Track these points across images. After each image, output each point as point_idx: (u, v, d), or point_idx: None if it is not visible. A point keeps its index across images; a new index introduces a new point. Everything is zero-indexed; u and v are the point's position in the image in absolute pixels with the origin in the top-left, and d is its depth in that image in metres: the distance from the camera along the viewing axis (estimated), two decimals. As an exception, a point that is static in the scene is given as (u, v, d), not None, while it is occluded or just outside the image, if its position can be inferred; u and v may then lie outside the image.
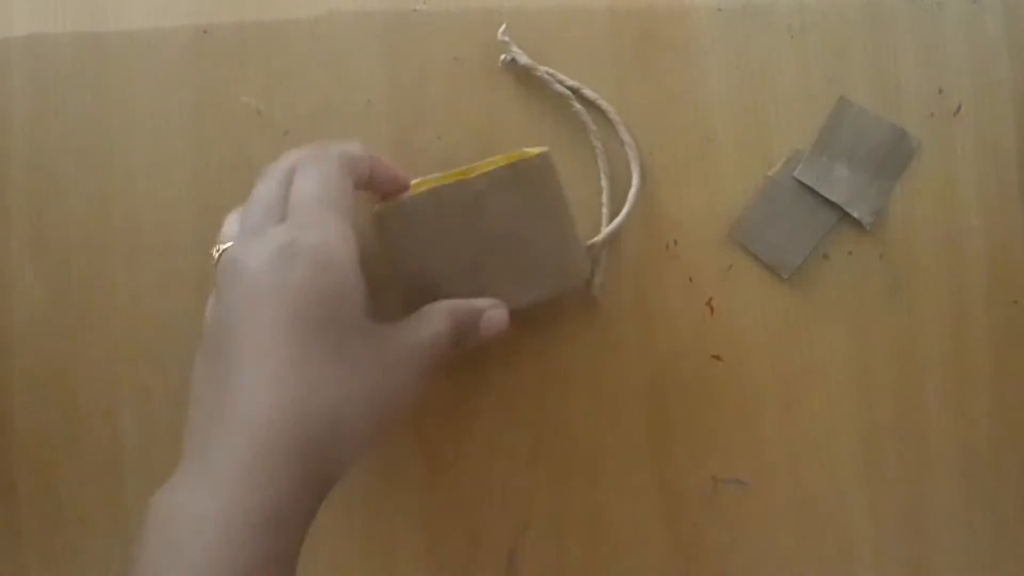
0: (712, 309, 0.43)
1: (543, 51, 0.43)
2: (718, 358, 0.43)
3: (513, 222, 0.37)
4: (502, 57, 0.43)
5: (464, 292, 0.37)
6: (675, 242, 0.43)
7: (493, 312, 0.37)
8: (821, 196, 0.43)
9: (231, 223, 0.35)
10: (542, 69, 0.43)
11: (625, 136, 0.43)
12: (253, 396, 0.29)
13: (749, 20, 0.43)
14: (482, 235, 0.37)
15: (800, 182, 0.43)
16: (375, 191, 0.38)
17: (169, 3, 0.44)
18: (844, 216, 0.43)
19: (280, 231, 0.31)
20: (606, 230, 0.42)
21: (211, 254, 0.34)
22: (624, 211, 0.42)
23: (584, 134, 0.43)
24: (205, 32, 0.44)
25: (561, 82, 0.43)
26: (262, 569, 0.27)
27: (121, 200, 0.44)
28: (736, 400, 0.43)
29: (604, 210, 0.43)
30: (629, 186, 0.42)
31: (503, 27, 0.42)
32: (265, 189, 0.33)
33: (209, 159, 0.44)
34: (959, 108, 0.43)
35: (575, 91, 0.43)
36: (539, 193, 0.37)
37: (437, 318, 0.35)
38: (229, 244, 0.33)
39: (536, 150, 0.38)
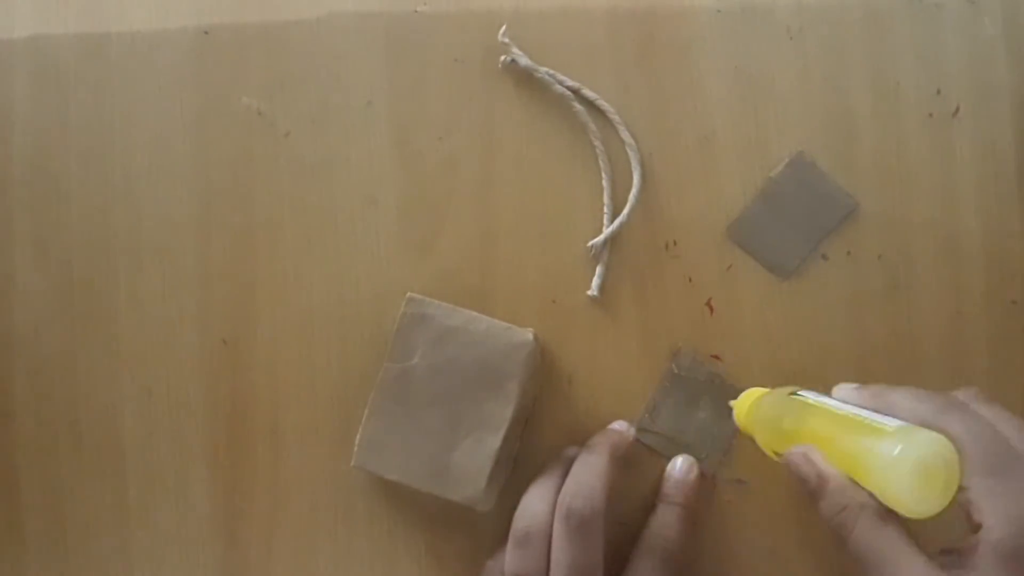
0: (712, 309, 0.43)
1: (543, 52, 0.43)
2: (718, 358, 0.43)
3: None
4: (502, 58, 0.43)
5: None
6: (675, 242, 0.43)
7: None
8: (820, 197, 0.43)
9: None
10: (542, 70, 0.43)
11: (625, 136, 0.43)
12: None
13: (748, 21, 0.43)
14: None
15: (801, 174, 0.43)
16: None
17: (170, 4, 0.44)
18: (844, 217, 0.43)
19: None
20: (607, 230, 0.42)
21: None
22: (625, 211, 0.42)
23: (584, 134, 0.43)
24: (206, 33, 0.44)
25: (561, 83, 0.43)
26: None
27: (123, 201, 0.44)
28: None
29: (605, 210, 0.43)
30: (629, 186, 0.43)
31: (503, 28, 0.43)
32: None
33: (210, 160, 0.44)
34: (957, 109, 0.43)
35: (575, 92, 0.43)
36: None
37: None
38: None
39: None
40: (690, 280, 0.43)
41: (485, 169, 0.43)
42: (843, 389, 0.35)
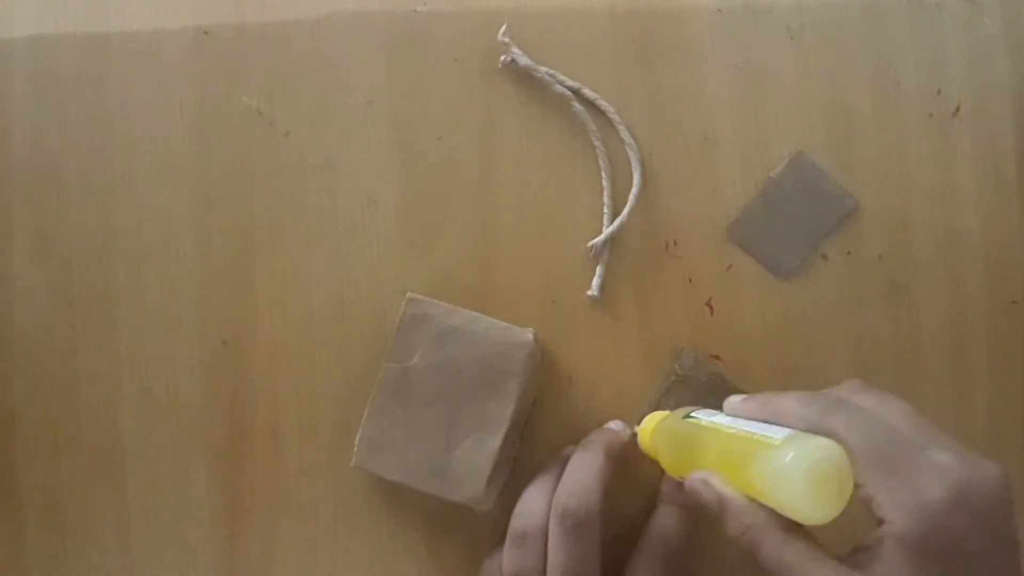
0: (712, 309, 0.43)
1: (543, 52, 0.43)
2: (718, 358, 0.43)
3: None
4: (502, 58, 0.43)
5: None
6: (675, 242, 0.43)
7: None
8: (820, 197, 0.43)
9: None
10: (542, 70, 0.43)
11: (625, 136, 0.43)
12: None
13: (749, 21, 0.43)
14: None
15: (801, 176, 0.43)
16: None
17: (170, 4, 0.44)
18: (844, 217, 0.43)
19: None
20: (607, 230, 0.42)
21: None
22: (625, 211, 0.42)
23: (584, 134, 0.43)
24: (206, 33, 0.44)
25: (561, 83, 0.43)
26: None
27: (122, 201, 0.44)
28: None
29: (605, 210, 0.43)
30: (629, 186, 0.43)
31: (503, 28, 0.43)
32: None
33: (210, 160, 0.44)
34: (958, 108, 0.43)
35: (575, 92, 0.43)
36: None
37: None
38: None
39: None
40: (690, 280, 0.43)
41: (485, 169, 0.43)
42: (731, 402, 0.35)
